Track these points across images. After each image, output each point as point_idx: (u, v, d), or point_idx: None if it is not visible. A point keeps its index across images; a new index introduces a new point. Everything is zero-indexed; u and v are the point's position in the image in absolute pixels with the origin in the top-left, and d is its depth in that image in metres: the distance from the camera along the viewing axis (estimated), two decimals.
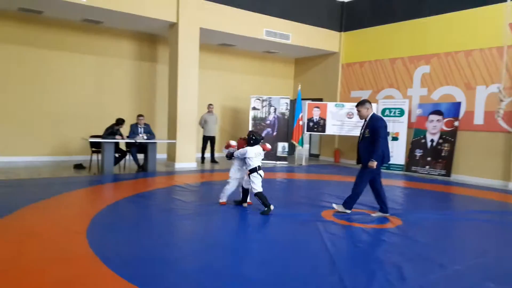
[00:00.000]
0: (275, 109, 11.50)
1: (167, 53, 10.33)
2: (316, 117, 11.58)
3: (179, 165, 9.74)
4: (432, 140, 9.95)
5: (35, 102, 9.61)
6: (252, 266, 3.55)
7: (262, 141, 5.80)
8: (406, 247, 4.23)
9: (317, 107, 11.61)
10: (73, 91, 10.10)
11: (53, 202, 5.60)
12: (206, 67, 11.92)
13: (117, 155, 8.64)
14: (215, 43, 11.93)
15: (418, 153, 10.15)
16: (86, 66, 10.26)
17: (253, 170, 5.54)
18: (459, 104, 9.65)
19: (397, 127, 10.64)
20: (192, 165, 9.97)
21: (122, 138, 8.48)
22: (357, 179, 5.46)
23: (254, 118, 11.56)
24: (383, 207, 5.54)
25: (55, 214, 4.99)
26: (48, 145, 9.86)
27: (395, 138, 10.65)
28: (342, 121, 11.31)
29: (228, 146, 5.96)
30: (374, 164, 5.16)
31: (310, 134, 13.34)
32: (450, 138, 9.62)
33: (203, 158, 11.03)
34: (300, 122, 11.36)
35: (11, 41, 9.25)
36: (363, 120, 5.51)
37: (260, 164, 5.64)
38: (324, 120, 11.50)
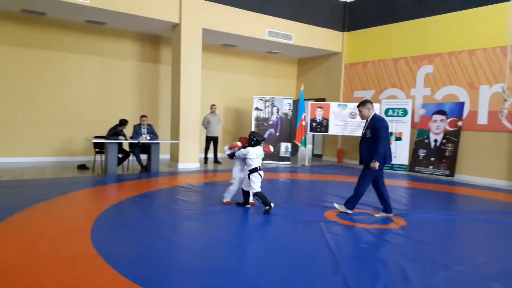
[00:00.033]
0: (278, 109, 11.50)
1: (170, 54, 10.34)
2: (319, 117, 11.57)
3: (182, 165, 9.75)
4: (435, 140, 9.92)
5: (38, 103, 9.65)
6: (255, 266, 3.55)
7: (263, 142, 5.79)
8: (410, 247, 4.21)
9: (320, 107, 11.59)
10: (76, 92, 10.14)
11: (57, 202, 5.62)
12: (209, 68, 11.94)
13: (120, 155, 8.66)
14: (218, 44, 11.94)
15: (422, 153, 10.12)
16: (89, 67, 10.30)
17: (253, 170, 5.54)
18: (462, 104, 9.62)
19: (401, 127, 10.62)
20: (195, 165, 9.99)
21: (126, 139, 8.50)
22: (360, 179, 5.45)
23: (257, 119, 11.56)
24: (386, 208, 5.52)
25: (59, 214, 5.01)
26: (52, 146, 9.90)
27: (398, 138, 10.63)
28: (345, 121, 11.30)
29: (233, 146, 5.90)
30: (376, 165, 5.14)
31: (313, 134, 13.33)
32: (453, 138, 9.58)
33: (206, 158, 11.04)
34: (303, 123, 11.35)
35: (14, 42, 9.29)
36: (365, 120, 5.50)
37: (260, 165, 5.63)
38: (327, 120, 11.48)
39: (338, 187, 7.93)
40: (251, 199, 5.83)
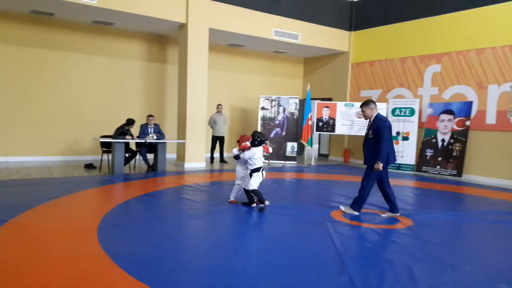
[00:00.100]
0: (284, 109, 11.49)
1: (177, 54, 10.37)
2: (325, 116, 11.54)
3: (188, 165, 9.78)
4: (443, 140, 9.85)
5: (46, 103, 9.73)
6: (261, 265, 3.55)
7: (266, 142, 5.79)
8: (417, 247, 4.19)
9: (327, 107, 11.56)
10: (84, 92, 10.21)
11: (64, 201, 5.66)
12: (215, 68, 11.96)
13: (127, 155, 8.70)
14: (224, 44, 11.96)
15: (429, 153, 10.05)
16: (96, 67, 10.36)
17: (256, 170, 5.55)
18: (470, 103, 9.54)
19: (408, 126, 10.56)
20: (201, 165, 10.01)
21: (132, 138, 8.54)
22: (364, 180, 5.41)
23: (263, 118, 11.56)
24: (392, 207, 5.49)
25: (66, 213, 5.04)
26: (59, 145, 9.98)
27: (405, 138, 10.57)
28: (352, 121, 11.26)
29: (243, 147, 5.83)
30: (380, 166, 5.11)
31: (320, 134, 13.30)
32: (461, 138, 9.51)
33: (212, 158, 11.07)
34: (309, 122, 11.33)
35: (23, 43, 9.38)
36: (368, 120, 5.47)
37: (262, 165, 5.64)
38: (334, 119, 11.45)
39: (345, 187, 7.90)
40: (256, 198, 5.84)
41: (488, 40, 9.31)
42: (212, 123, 10.91)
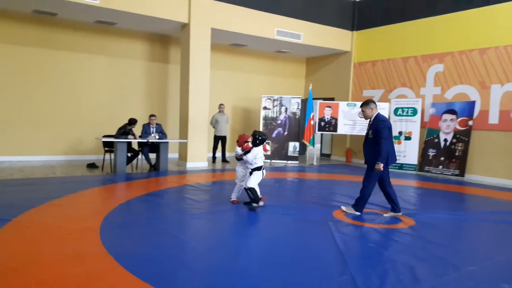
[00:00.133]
0: (286, 108, 11.48)
1: (179, 53, 10.38)
2: (327, 116, 11.53)
3: (190, 164, 9.79)
4: (445, 140, 9.83)
5: (49, 103, 9.76)
6: (263, 265, 3.55)
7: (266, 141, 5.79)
8: (419, 247, 4.18)
9: (329, 107, 11.56)
10: (86, 91, 10.23)
11: (67, 200, 5.68)
12: (218, 67, 11.96)
13: (129, 154, 8.72)
14: (227, 43, 11.96)
15: (431, 152, 10.04)
16: (99, 67, 10.38)
17: (257, 169, 5.55)
18: (473, 103, 9.51)
19: (410, 126, 10.54)
20: (203, 164, 10.02)
21: (135, 138, 8.56)
22: (365, 180, 5.41)
23: (265, 118, 11.56)
24: (394, 207, 5.49)
25: (69, 212, 5.06)
26: (62, 145, 10.01)
27: (408, 138, 10.55)
28: (354, 121, 11.24)
29: (246, 147, 5.83)
30: (380, 166, 5.10)
31: (322, 134, 13.28)
32: (464, 138, 9.49)
33: (214, 157, 11.08)
34: (312, 122, 11.33)
35: (26, 43, 9.40)
36: (368, 120, 5.47)
37: (262, 164, 5.64)
38: (336, 119, 11.44)
39: (347, 186, 7.89)
40: (260, 195, 5.85)
41: (491, 40, 9.28)
42: (214, 122, 10.92)
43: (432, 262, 3.74)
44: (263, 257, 3.77)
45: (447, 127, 9.83)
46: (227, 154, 11.40)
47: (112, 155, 8.69)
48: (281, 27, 10.99)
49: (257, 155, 5.58)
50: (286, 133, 11.48)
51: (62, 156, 9.99)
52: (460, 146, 9.53)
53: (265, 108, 11.56)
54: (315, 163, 11.65)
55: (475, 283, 3.32)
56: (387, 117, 10.56)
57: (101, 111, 10.41)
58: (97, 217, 4.81)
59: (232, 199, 5.96)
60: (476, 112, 9.49)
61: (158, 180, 7.82)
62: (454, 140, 9.65)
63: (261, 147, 5.67)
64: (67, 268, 3.25)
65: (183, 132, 9.90)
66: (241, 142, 5.81)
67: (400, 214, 5.51)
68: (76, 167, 9.00)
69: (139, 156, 9.13)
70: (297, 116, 11.50)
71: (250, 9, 10.37)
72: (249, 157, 5.58)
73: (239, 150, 5.88)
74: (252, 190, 5.53)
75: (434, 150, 9.99)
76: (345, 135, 12.52)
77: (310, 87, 11.76)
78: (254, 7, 10.42)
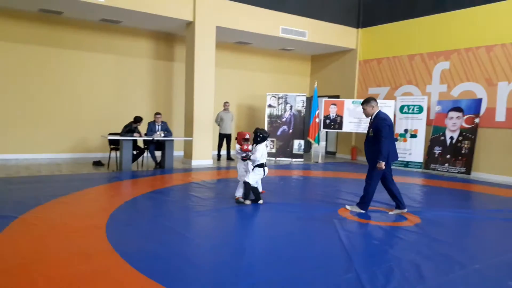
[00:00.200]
0: (291, 106, 11.46)
1: (184, 51, 10.39)
2: (332, 114, 11.50)
3: (195, 162, 9.81)
4: (451, 138, 9.77)
5: (55, 101, 9.82)
6: (267, 263, 3.55)
7: (268, 137, 5.79)
8: (425, 245, 4.17)
9: (334, 104, 11.52)
10: (92, 89, 10.28)
11: (73, 198, 5.72)
12: (222, 65, 11.96)
13: (135, 152, 8.75)
14: (231, 41, 11.96)
15: (437, 150, 9.98)
16: (104, 65, 10.42)
17: (260, 165, 5.55)
18: (480, 100, 9.45)
19: (416, 124, 10.49)
20: (208, 162, 10.03)
21: (140, 136, 8.58)
22: (367, 179, 5.39)
23: (270, 116, 11.55)
24: (399, 204, 5.47)
25: (75, 210, 5.09)
26: (68, 143, 10.06)
27: (413, 136, 10.50)
28: (359, 118, 11.20)
29: (245, 150, 5.83)
30: (382, 165, 5.09)
31: (327, 132, 13.25)
32: (470, 135, 9.43)
33: (219, 155, 11.09)
34: (317, 120, 11.30)
35: (32, 41, 9.46)
36: (369, 118, 5.45)
37: (265, 161, 5.65)
38: (341, 117, 11.40)
39: (352, 184, 7.88)
40: (261, 189, 5.87)
41: (498, 37, 9.20)
42: (219, 120, 10.93)
43: (437, 260, 3.73)
44: (267, 255, 3.77)
45: (453, 125, 9.77)
46: (232, 152, 11.41)
47: (118, 153, 8.73)
48: (286, 24, 10.96)
49: (263, 153, 5.60)
50: (291, 131, 11.47)
51: (68, 154, 10.05)
52: (466, 144, 9.47)
53: (270, 106, 11.55)
54: (320, 161, 11.62)
55: (481, 281, 3.30)
56: (392, 114, 10.59)
57: (106, 109, 10.45)
58: (103, 214, 4.84)
59: (236, 197, 5.96)
60: (482, 110, 9.42)
61: (163, 177, 7.85)
62: (460, 138, 9.60)
63: (264, 144, 5.68)
64: (74, 265, 3.27)
65: (188, 130, 9.92)
66: (239, 139, 5.83)
67: (405, 210, 5.49)
68: (82, 165, 9.05)
69: (145, 154, 9.16)
70: (302, 114, 11.48)
71: (255, 7, 10.35)
72: (257, 156, 5.59)
73: (238, 147, 5.89)
74: (248, 185, 5.54)
75: (440, 148, 9.94)
76: (350, 133, 12.49)
77: (315, 85, 11.73)
78: (259, 5, 10.40)
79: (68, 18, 9.74)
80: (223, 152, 11.22)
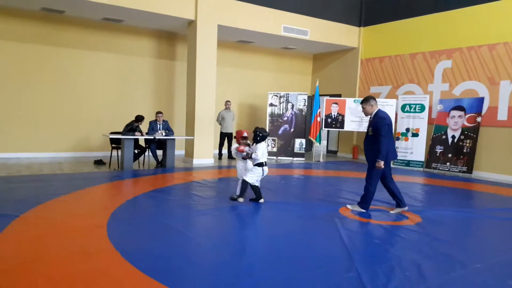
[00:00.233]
0: (292, 105, 11.45)
1: (186, 50, 10.40)
2: (334, 113, 11.48)
3: (196, 161, 9.81)
4: (453, 136, 9.74)
5: (57, 100, 9.83)
6: (268, 262, 3.55)
7: (268, 136, 5.79)
8: (426, 244, 4.16)
9: (336, 103, 11.51)
10: (93, 88, 10.29)
11: (74, 197, 5.72)
12: (224, 64, 11.95)
13: (136, 151, 8.76)
14: (233, 40, 11.95)
15: (439, 149, 9.96)
16: (106, 64, 10.43)
17: (260, 164, 5.55)
18: (482, 99, 9.42)
19: (418, 123, 10.46)
20: (210, 161, 10.04)
21: (142, 135, 8.58)
22: (367, 178, 5.39)
23: (271, 115, 11.54)
24: (399, 203, 5.46)
25: (76, 209, 5.10)
26: (69, 142, 10.08)
27: (415, 134, 10.48)
28: (361, 117, 11.17)
29: (241, 151, 5.87)
30: (381, 164, 5.09)
31: (328, 131, 13.24)
32: (472, 134, 9.40)
33: (220, 154, 11.10)
34: (318, 118, 11.29)
35: (34, 40, 9.47)
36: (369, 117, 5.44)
37: (266, 160, 5.64)
38: (343, 116, 11.39)
39: (353, 183, 7.87)
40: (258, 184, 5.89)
41: (501, 35, 9.17)
42: (220, 119, 10.93)
43: (438, 259, 3.72)
44: (268, 254, 3.77)
45: (455, 124, 9.75)
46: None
47: (119, 151, 8.74)
48: (288, 23, 10.94)
49: (263, 152, 5.60)
50: (292, 130, 11.46)
51: (69, 153, 10.07)
52: (468, 143, 9.45)
53: (271, 105, 11.54)
54: (321, 160, 11.62)
55: (482, 280, 3.29)
56: (394, 113, 10.57)
57: (108, 108, 10.46)
58: (104, 213, 4.85)
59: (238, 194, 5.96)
60: (484, 109, 9.39)
61: (164, 176, 7.85)
62: (462, 137, 9.57)
63: (265, 143, 5.68)
64: (74, 264, 3.27)
65: (190, 129, 9.92)
66: (238, 137, 5.86)
67: (405, 209, 5.48)
68: (83, 163, 9.07)
69: (146, 153, 9.17)
70: (304, 113, 11.46)
71: (257, 6, 10.34)
72: (258, 154, 5.59)
73: (234, 148, 5.92)
74: (245, 184, 5.57)
75: (442, 147, 9.91)
76: (351, 132, 12.47)
77: (317, 84, 11.71)
78: (260, 3, 10.39)
79: (70, 17, 9.75)
80: (224, 151, 11.22)
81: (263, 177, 5.89)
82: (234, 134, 11.17)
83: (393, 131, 10.63)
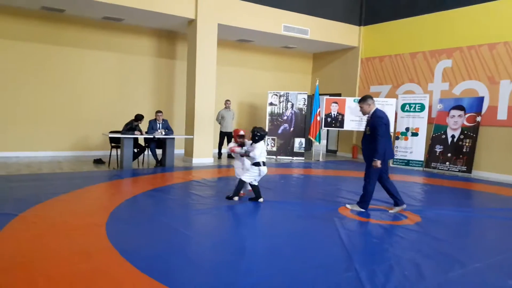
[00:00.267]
0: (292, 104, 11.44)
1: (186, 49, 10.38)
2: (334, 112, 11.48)
3: (196, 160, 9.81)
4: (453, 136, 9.74)
5: (56, 99, 9.82)
6: (267, 261, 3.55)
7: (267, 136, 5.79)
8: (425, 243, 4.16)
9: (335, 102, 11.50)
10: (93, 87, 10.28)
11: (73, 196, 5.72)
12: (224, 63, 11.94)
13: (136, 150, 8.75)
14: (233, 39, 11.93)
15: (438, 149, 9.96)
16: (106, 63, 10.42)
17: (257, 164, 5.55)
18: (482, 99, 9.41)
19: (417, 122, 10.46)
20: (209, 160, 10.03)
21: (141, 134, 8.58)
22: (365, 177, 5.40)
23: (271, 114, 11.54)
24: (396, 201, 5.46)
25: (76, 208, 5.10)
26: (69, 141, 10.07)
27: (415, 134, 10.48)
28: (361, 117, 11.15)
29: (232, 150, 5.95)
30: (377, 163, 5.09)
31: (328, 130, 13.23)
32: (471, 134, 9.40)
33: (220, 153, 11.09)
34: (318, 118, 11.29)
35: (34, 39, 9.46)
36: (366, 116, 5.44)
37: (264, 160, 5.63)
38: (343, 115, 11.38)
39: (353, 183, 7.86)
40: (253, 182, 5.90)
41: (501, 35, 9.16)
42: (220, 118, 10.92)
43: (438, 258, 3.72)
44: (267, 253, 3.77)
45: (455, 123, 9.74)
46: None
47: (119, 150, 8.73)
48: (288, 22, 10.93)
49: (261, 152, 5.58)
50: (292, 129, 11.45)
51: (69, 152, 10.06)
52: (467, 143, 9.45)
53: (271, 104, 11.53)
54: (321, 159, 11.61)
55: (481, 280, 3.29)
56: (393, 113, 10.57)
57: (108, 107, 10.45)
58: (103, 212, 4.84)
59: (242, 192, 5.96)
60: (484, 108, 9.39)
61: (164, 175, 7.85)
62: (462, 136, 9.57)
63: (263, 142, 5.68)
64: (74, 263, 3.27)
65: (189, 128, 9.92)
66: (234, 136, 5.90)
67: (404, 206, 5.48)
68: (83, 162, 9.06)
69: (146, 152, 9.17)
70: (304, 112, 11.46)
71: (257, 5, 10.33)
72: (256, 153, 5.59)
73: (229, 147, 5.94)
74: (241, 183, 5.60)
75: (441, 147, 9.91)
76: (351, 131, 12.47)
77: (317, 83, 11.71)
78: (261, 2, 10.38)
79: (70, 16, 9.74)
80: (224, 150, 11.19)
81: (261, 177, 5.88)
82: None
83: (393, 131, 10.72)
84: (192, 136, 9.70)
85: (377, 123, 5.13)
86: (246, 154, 5.76)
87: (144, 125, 8.93)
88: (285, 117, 11.48)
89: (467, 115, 9.55)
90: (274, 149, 11.48)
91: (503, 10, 9.11)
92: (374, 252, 3.93)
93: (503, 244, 4.35)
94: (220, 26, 9.89)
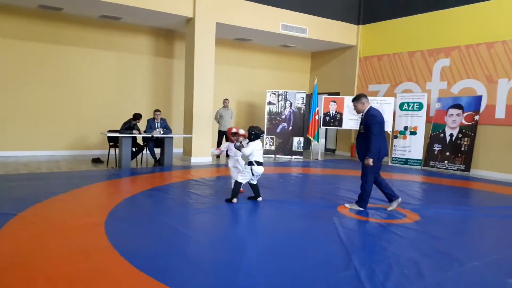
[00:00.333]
0: (290, 103, 11.44)
1: (184, 48, 10.37)
2: (332, 111, 11.48)
3: (195, 159, 9.80)
4: (451, 135, 9.76)
5: (54, 98, 9.80)
6: (266, 260, 3.54)
7: (262, 135, 5.77)
8: (424, 242, 4.17)
9: (334, 101, 11.50)
10: (91, 86, 10.26)
11: (72, 195, 5.71)
12: (222, 62, 11.93)
13: (134, 149, 8.74)
14: (231, 38, 11.92)
15: (437, 147, 9.98)
16: (104, 62, 10.39)
17: (250, 163, 5.54)
18: (480, 97, 9.43)
19: (416, 121, 10.48)
20: (208, 159, 10.03)
21: (139, 133, 8.57)
22: (362, 176, 5.39)
23: (270, 113, 11.53)
24: (390, 197, 5.46)
25: (74, 207, 5.08)
26: (67, 140, 10.05)
27: (413, 133, 10.49)
28: (359, 116, 11.16)
29: (218, 148, 6.02)
30: (369, 161, 5.10)
31: (326, 129, 13.24)
32: (470, 133, 9.42)
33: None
34: (316, 117, 11.29)
35: (31, 38, 9.43)
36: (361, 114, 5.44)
37: (261, 159, 5.61)
38: (341, 114, 11.39)
39: (351, 181, 7.86)
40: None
41: (499, 34, 9.18)
42: (218, 117, 10.91)
43: (436, 257, 3.73)
44: (266, 252, 3.77)
45: (453, 122, 9.76)
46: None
47: (117, 150, 8.72)
48: (286, 21, 10.93)
49: (254, 151, 5.54)
50: (290, 128, 11.46)
51: (67, 151, 10.04)
52: (466, 141, 9.46)
53: (269, 103, 11.53)
54: (319, 158, 11.62)
55: (480, 278, 3.30)
56: (392, 111, 10.58)
57: (106, 106, 10.43)
58: (102, 212, 4.84)
59: (241, 190, 5.96)
60: (482, 107, 9.41)
61: (162, 175, 7.84)
62: (460, 135, 9.59)
63: (258, 141, 5.64)
64: (73, 263, 3.26)
65: (188, 127, 9.91)
66: (228, 135, 5.94)
67: (399, 199, 5.47)
68: (81, 162, 9.05)
69: (144, 151, 9.15)
70: (302, 111, 11.46)
71: (255, 3, 10.32)
72: (246, 151, 5.55)
73: (223, 147, 6.05)
74: (238, 184, 5.60)
75: (440, 145, 9.93)
76: (350, 130, 12.48)
77: (315, 82, 11.71)
78: (259, 1, 10.37)
79: (68, 14, 9.71)
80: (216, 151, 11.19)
81: (259, 176, 5.87)
82: None
83: (392, 129, 10.73)
84: (190, 135, 9.70)
85: (370, 121, 5.13)
86: (239, 148, 5.77)
87: (142, 124, 8.92)
88: (284, 116, 11.48)
89: (465, 114, 9.57)
90: (273, 148, 11.48)
91: (501, 9, 9.12)
92: (373, 250, 3.94)
93: (501, 243, 4.36)
94: (218, 25, 9.88)
